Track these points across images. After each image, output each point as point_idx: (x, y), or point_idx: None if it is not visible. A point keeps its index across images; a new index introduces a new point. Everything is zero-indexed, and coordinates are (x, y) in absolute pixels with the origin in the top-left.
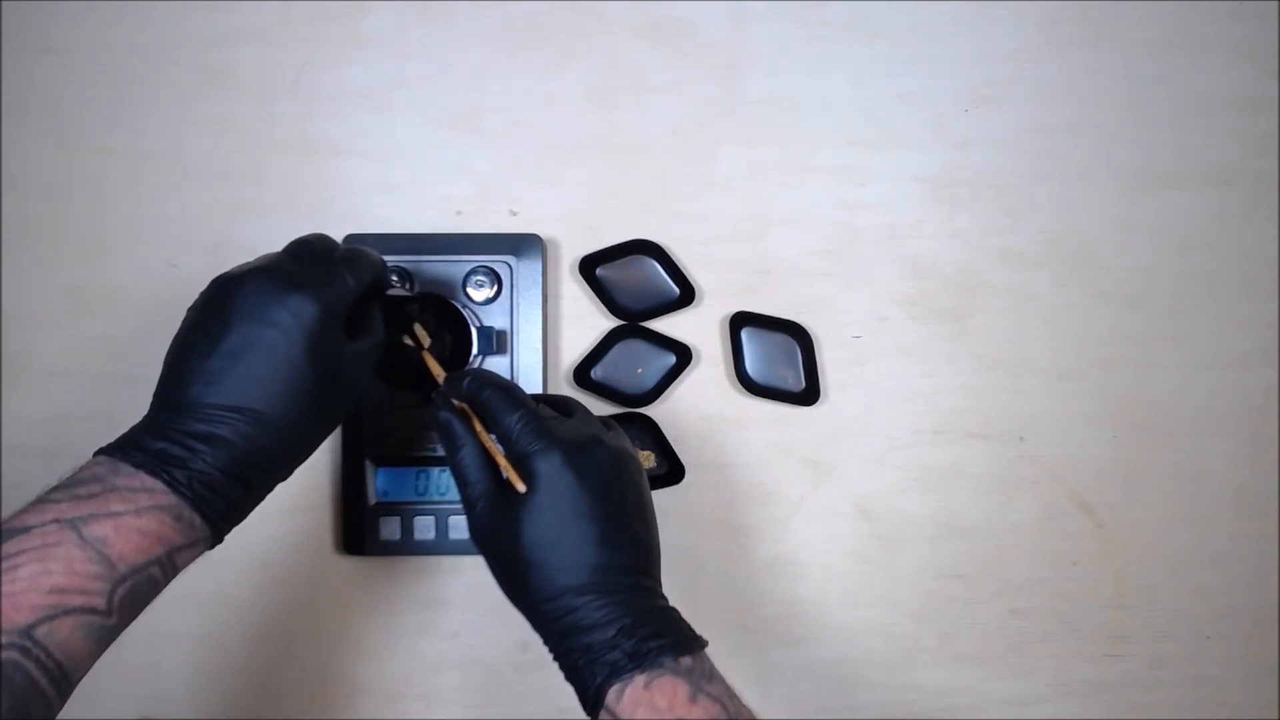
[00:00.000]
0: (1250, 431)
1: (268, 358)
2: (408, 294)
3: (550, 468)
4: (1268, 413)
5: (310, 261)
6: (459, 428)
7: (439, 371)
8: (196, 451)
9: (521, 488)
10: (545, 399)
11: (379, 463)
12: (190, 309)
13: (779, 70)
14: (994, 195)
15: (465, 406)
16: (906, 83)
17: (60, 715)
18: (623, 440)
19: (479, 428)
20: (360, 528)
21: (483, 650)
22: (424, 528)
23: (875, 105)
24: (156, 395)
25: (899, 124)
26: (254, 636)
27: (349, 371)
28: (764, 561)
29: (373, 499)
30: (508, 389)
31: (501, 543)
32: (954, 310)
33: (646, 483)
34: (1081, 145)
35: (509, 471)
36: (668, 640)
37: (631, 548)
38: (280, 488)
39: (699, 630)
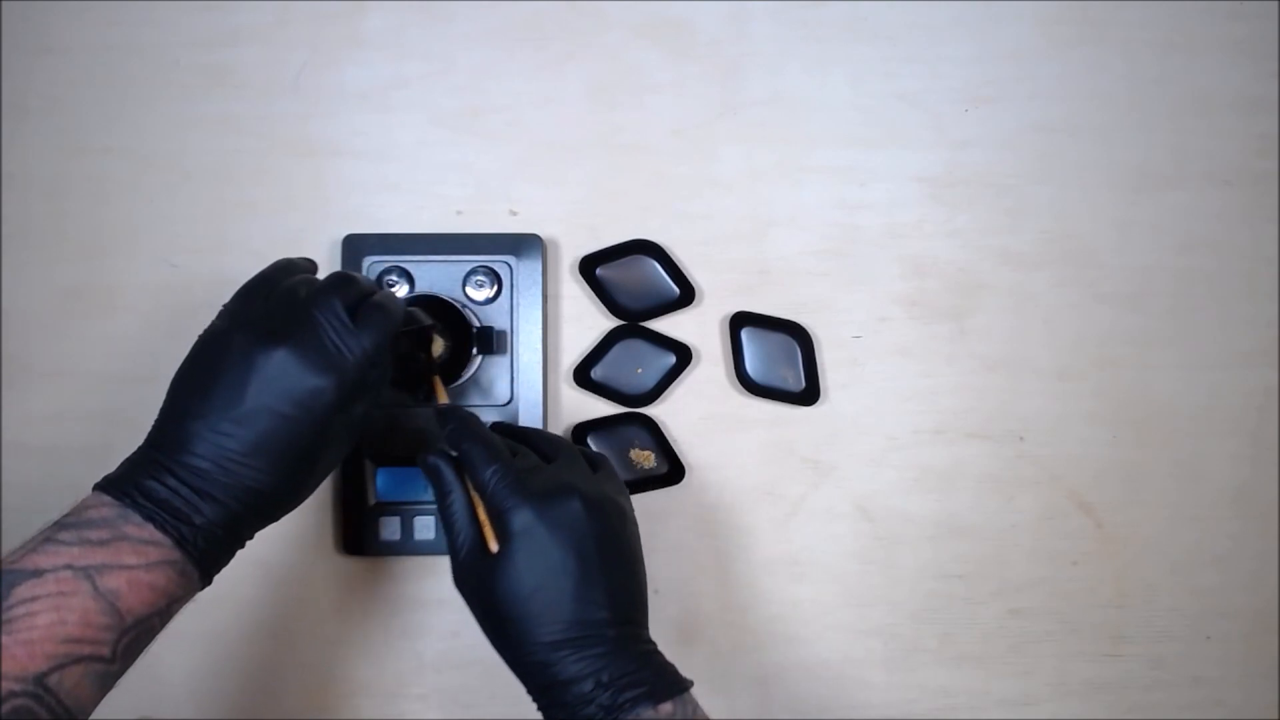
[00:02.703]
0: (1250, 431)
1: (278, 437)
2: (422, 325)
3: (523, 525)
4: (1268, 413)
5: (331, 325)
6: (449, 475)
7: (443, 396)
8: (199, 509)
9: (494, 546)
10: (534, 439)
11: (379, 463)
12: (203, 342)
13: (779, 70)
14: (994, 195)
15: None
16: (906, 83)
17: None
18: (604, 483)
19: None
20: (360, 528)
21: (483, 650)
22: (424, 528)
23: (875, 105)
24: (158, 428)
25: (899, 124)
26: (254, 636)
27: (350, 435)
28: (764, 561)
29: (373, 499)
30: (486, 441)
31: (481, 595)
32: (954, 310)
33: (630, 525)
34: (1081, 145)
35: (485, 527)
36: (644, 689)
37: (609, 598)
38: None
39: (699, 630)
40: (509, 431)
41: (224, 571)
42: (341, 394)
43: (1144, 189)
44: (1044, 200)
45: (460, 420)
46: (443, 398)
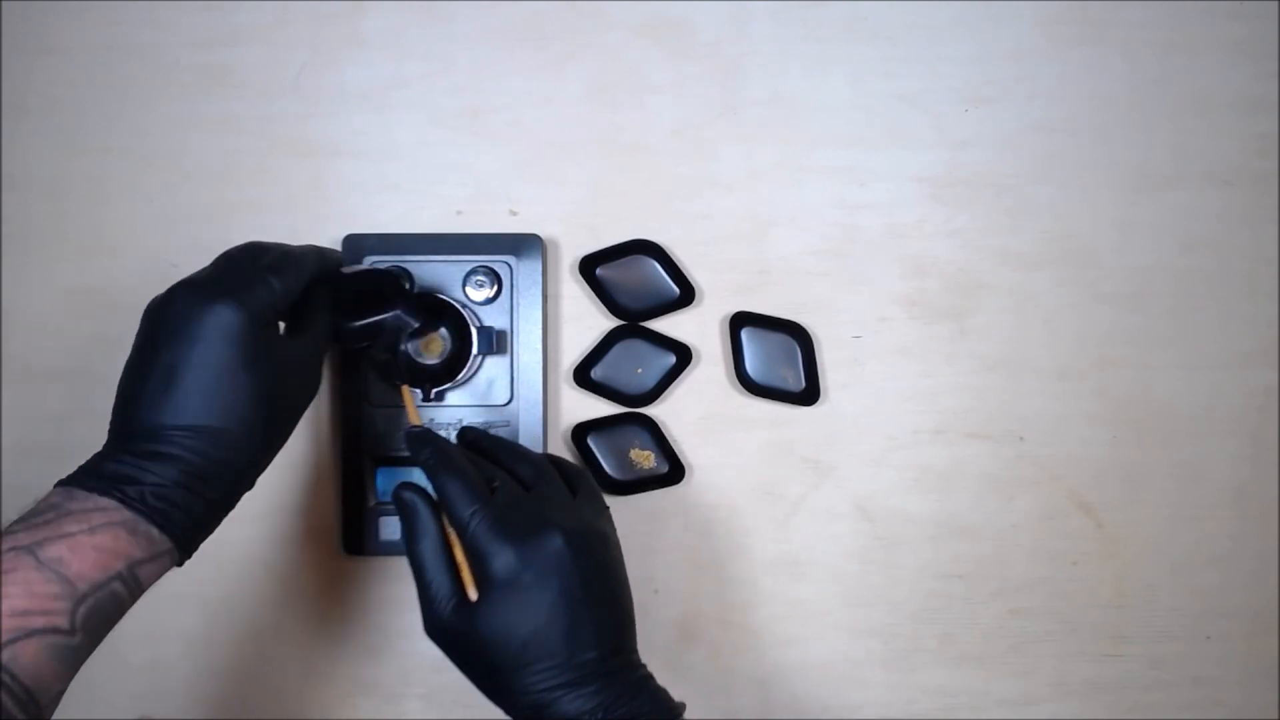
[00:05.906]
0: (1250, 431)
1: (201, 373)
2: (363, 269)
3: (505, 571)
4: (1268, 413)
5: (232, 271)
6: (424, 513)
7: (415, 416)
8: (148, 470)
9: (473, 594)
10: (508, 458)
11: (379, 463)
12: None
13: (779, 70)
14: (994, 195)
15: None
16: (906, 83)
17: (59, 715)
18: (584, 509)
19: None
20: (360, 528)
21: None
22: None
23: (875, 105)
24: (110, 424)
25: (899, 124)
26: (254, 636)
27: (294, 370)
28: (764, 561)
29: (373, 499)
30: (464, 476)
31: (463, 647)
32: (954, 310)
33: (613, 549)
34: (1081, 145)
35: (465, 573)
36: None
37: (597, 633)
38: (280, 487)
39: (699, 630)
40: (479, 444)
41: (224, 572)
42: (252, 317)
43: (1144, 189)
44: (1044, 200)
45: (436, 449)
46: (414, 418)
